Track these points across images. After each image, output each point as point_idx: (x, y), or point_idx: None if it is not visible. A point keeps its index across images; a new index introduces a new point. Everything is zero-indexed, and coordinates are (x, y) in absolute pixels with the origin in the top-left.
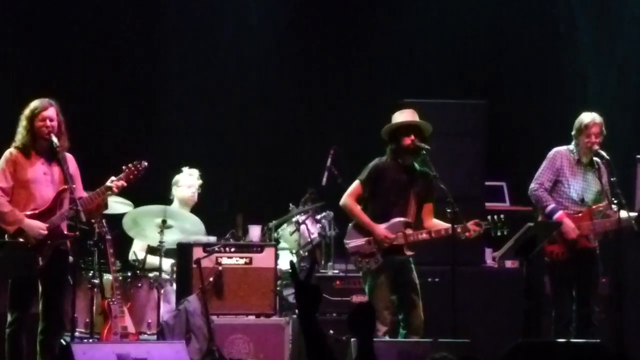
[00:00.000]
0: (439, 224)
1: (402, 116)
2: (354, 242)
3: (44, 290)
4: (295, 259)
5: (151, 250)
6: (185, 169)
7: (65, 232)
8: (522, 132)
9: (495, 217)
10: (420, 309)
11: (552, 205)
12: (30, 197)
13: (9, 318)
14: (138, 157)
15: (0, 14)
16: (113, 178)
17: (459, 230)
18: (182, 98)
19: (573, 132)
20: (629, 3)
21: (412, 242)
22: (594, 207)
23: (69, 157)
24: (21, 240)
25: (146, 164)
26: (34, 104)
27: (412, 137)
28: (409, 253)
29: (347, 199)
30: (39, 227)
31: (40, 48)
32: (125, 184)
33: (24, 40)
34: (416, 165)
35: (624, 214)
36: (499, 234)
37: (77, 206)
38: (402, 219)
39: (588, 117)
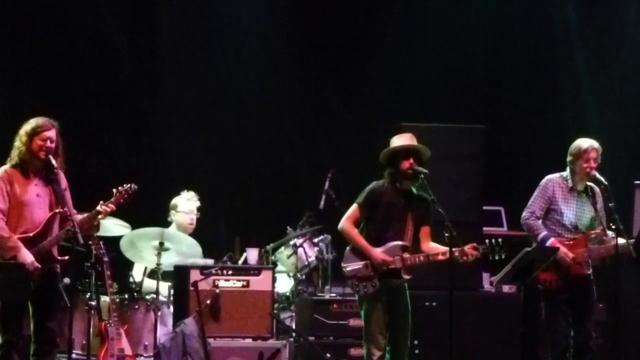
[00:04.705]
0: (436, 247)
1: (401, 140)
2: (351, 265)
3: (34, 313)
4: (292, 282)
5: (150, 274)
6: (184, 193)
7: (57, 257)
8: (520, 157)
9: (493, 241)
10: (407, 336)
11: (543, 234)
12: (21, 219)
13: (0, 340)
14: (135, 179)
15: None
16: (102, 203)
17: (456, 254)
18: (179, 121)
19: (569, 158)
20: (627, 30)
21: (410, 266)
22: (588, 232)
23: (60, 175)
24: (18, 262)
25: (136, 187)
26: (36, 122)
27: (411, 161)
28: (406, 276)
29: (344, 222)
30: (32, 262)
31: (35, 67)
32: (114, 208)
33: (19, 59)
34: (413, 189)
35: (621, 240)
36: (496, 257)
37: (75, 228)
38: (399, 242)
39: (586, 142)
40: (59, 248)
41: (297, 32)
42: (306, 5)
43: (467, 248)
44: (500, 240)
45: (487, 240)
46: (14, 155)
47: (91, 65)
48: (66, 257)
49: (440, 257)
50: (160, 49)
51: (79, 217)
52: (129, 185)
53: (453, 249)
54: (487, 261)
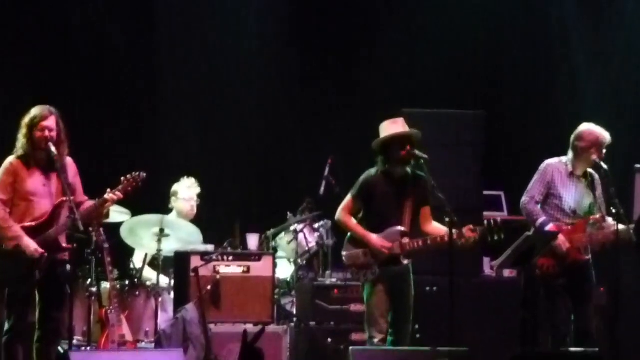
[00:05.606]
0: (438, 228)
1: (394, 127)
2: (350, 254)
3: (40, 300)
4: (292, 268)
5: (150, 261)
6: (184, 180)
7: (64, 245)
8: (520, 142)
9: (492, 221)
10: (410, 320)
11: (542, 219)
12: (29, 209)
13: (6, 326)
14: (136, 166)
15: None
16: (109, 190)
17: (454, 236)
18: (180, 107)
19: (580, 144)
20: (624, 16)
21: (409, 251)
22: (587, 218)
23: (69, 162)
24: (23, 251)
25: (144, 175)
26: (34, 112)
27: (408, 148)
28: (405, 262)
29: (340, 213)
30: (35, 249)
31: (37, 57)
32: (122, 196)
33: (23, 48)
34: (409, 170)
35: (622, 226)
36: (495, 238)
37: (75, 215)
38: (398, 228)
39: (605, 133)
40: (67, 237)
41: (296, 20)
42: None
43: (465, 230)
44: (499, 220)
45: (485, 221)
46: (18, 146)
47: (91, 56)
48: (73, 245)
49: (439, 241)
50: (160, 38)
51: (89, 204)
52: (137, 173)
53: (450, 229)
54: (487, 245)
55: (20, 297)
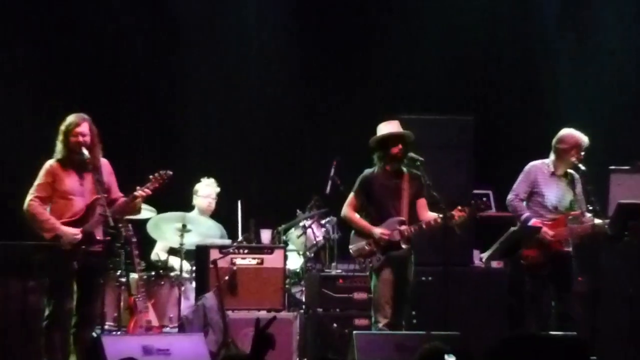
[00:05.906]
0: (433, 216)
1: (388, 127)
2: (356, 246)
3: (77, 290)
4: (302, 260)
5: (172, 252)
6: (204, 180)
7: (98, 238)
8: (507, 145)
9: (478, 200)
10: (407, 304)
11: (526, 214)
12: (67, 207)
13: (46, 312)
14: (161, 167)
15: (33, 34)
16: (139, 188)
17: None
18: (202, 114)
19: (562, 146)
20: (603, 26)
21: (408, 237)
22: (567, 213)
23: (104, 162)
24: (61, 243)
25: (171, 173)
26: (69, 119)
27: (400, 146)
28: (404, 246)
29: (345, 209)
30: (74, 233)
31: (65, 64)
32: (150, 193)
33: (52, 58)
34: (404, 168)
35: (598, 220)
36: (484, 211)
37: (106, 212)
38: (396, 217)
39: (584, 137)
40: (103, 231)
41: (301, 26)
42: (311, 3)
43: (455, 211)
44: (484, 199)
45: (472, 201)
46: (56, 151)
47: (114, 59)
48: (106, 238)
49: (433, 224)
50: (179, 44)
51: (122, 200)
52: (164, 171)
53: (441, 216)
54: (477, 221)
55: (60, 286)
